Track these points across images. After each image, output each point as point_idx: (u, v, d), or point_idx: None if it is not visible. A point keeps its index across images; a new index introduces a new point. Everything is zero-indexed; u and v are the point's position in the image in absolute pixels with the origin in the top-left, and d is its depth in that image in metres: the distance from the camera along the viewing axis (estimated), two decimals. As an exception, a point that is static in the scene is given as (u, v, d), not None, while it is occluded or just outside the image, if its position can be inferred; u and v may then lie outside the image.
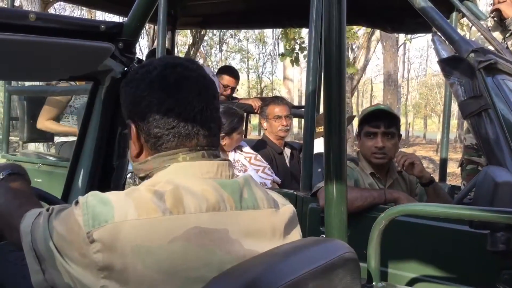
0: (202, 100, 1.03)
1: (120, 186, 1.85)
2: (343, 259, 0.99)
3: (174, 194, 0.93)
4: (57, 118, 4.06)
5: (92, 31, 1.54)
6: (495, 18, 3.33)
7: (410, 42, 19.39)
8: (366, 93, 29.63)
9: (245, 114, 4.12)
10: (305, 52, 8.58)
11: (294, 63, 8.59)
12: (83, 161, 1.77)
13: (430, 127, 31.55)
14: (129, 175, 1.91)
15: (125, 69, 1.69)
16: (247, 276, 0.85)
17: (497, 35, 3.23)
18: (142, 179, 1.07)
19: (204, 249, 0.91)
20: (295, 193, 2.48)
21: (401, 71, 20.32)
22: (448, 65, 2.01)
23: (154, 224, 0.89)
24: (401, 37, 16.08)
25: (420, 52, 37.67)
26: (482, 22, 3.13)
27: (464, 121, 4.08)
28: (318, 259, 0.94)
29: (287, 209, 1.11)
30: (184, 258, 0.89)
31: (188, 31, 15.34)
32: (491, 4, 3.36)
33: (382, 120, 2.40)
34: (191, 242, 0.90)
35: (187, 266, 0.89)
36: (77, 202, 0.94)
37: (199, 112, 1.02)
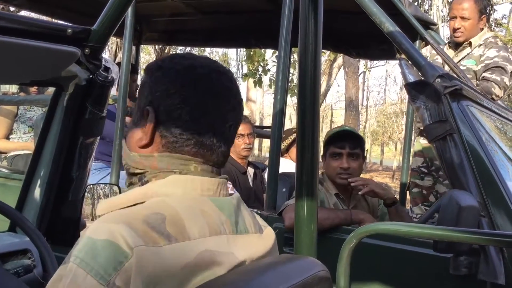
0: (234, 116, 0.97)
1: (79, 199, 1.77)
2: (317, 277, 0.95)
3: (175, 222, 0.85)
4: (8, 135, 3.93)
5: (58, 35, 1.48)
6: (450, 44, 3.45)
7: (369, 72, 19.88)
8: (326, 118, 30.12)
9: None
10: (269, 75, 8.66)
11: (257, 85, 8.63)
12: (40, 170, 1.68)
13: (387, 154, 32.27)
14: (88, 188, 1.82)
15: (91, 76, 1.62)
16: (219, 293, 0.80)
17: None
18: (132, 175, 0.97)
19: (210, 272, 0.85)
20: (259, 212, 2.45)
21: (360, 99, 20.79)
22: (415, 89, 2.04)
23: (162, 252, 0.81)
24: (361, 66, 16.48)
25: (378, 81, 38.74)
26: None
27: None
28: (293, 277, 0.90)
29: (269, 231, 1.07)
30: (196, 283, 0.83)
31: (152, 49, 15.24)
32: (448, 37, 3.48)
33: (347, 141, 2.42)
34: (202, 266, 0.84)
35: None
36: (65, 274, 0.79)
37: (229, 128, 0.96)
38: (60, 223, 1.78)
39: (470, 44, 3.30)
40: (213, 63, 1.00)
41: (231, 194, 1.02)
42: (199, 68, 0.95)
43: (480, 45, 3.27)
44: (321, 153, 2.54)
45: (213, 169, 0.97)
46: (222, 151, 0.97)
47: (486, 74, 3.06)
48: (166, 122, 0.93)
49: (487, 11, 3.24)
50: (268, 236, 1.05)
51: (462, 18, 3.31)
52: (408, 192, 3.74)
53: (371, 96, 30.86)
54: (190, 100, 0.93)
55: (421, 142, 3.58)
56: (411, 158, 3.75)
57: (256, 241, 1.00)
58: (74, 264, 0.78)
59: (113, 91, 1.97)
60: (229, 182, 3.25)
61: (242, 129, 3.39)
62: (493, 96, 2.99)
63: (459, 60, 3.28)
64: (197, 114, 0.93)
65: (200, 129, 0.93)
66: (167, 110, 0.93)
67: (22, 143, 3.92)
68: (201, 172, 0.94)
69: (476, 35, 3.31)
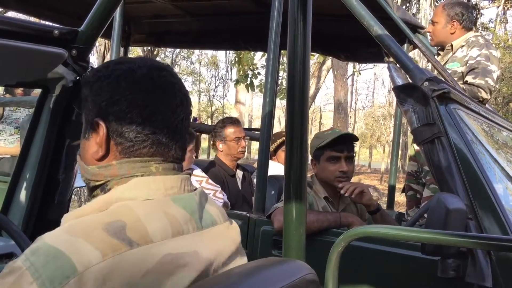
0: (183, 110, 0.97)
1: (65, 202, 1.75)
2: (304, 281, 0.95)
3: (136, 228, 0.83)
4: None
5: (44, 36, 1.46)
6: (439, 52, 3.47)
7: (359, 74, 19.99)
8: (315, 120, 30.24)
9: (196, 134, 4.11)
10: (259, 78, 8.66)
11: (249, 88, 8.63)
12: (26, 173, 1.66)
13: (375, 157, 32.45)
14: (75, 190, 1.80)
15: (78, 77, 1.61)
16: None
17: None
18: (94, 189, 0.95)
19: (178, 276, 0.84)
20: (248, 215, 2.44)
21: (349, 101, 20.88)
22: (403, 92, 2.05)
23: (123, 260, 0.78)
24: (350, 68, 16.57)
25: (367, 84, 38.98)
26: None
27: (407, 152, 4.22)
28: (280, 280, 0.90)
29: (235, 224, 1.07)
30: None
31: (140, 50, 15.19)
32: (431, 39, 3.49)
33: (346, 144, 2.42)
34: (164, 272, 0.82)
35: None
36: (12, 270, 0.77)
37: (181, 121, 0.96)
38: (46, 226, 1.76)
39: (451, 47, 3.31)
40: (151, 61, 0.99)
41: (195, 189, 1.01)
42: (138, 69, 0.95)
43: (462, 46, 3.28)
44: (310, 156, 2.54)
45: (175, 165, 0.97)
46: (179, 145, 0.97)
47: (470, 79, 3.07)
48: (119, 129, 0.92)
49: (461, 17, 3.23)
50: (236, 226, 1.05)
51: (432, 22, 3.40)
52: (404, 194, 3.79)
53: (359, 98, 31.11)
54: (137, 101, 0.92)
55: (414, 148, 3.61)
56: (406, 162, 3.80)
57: (226, 230, 0.99)
58: (23, 265, 0.76)
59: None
60: (217, 185, 3.25)
61: (239, 132, 3.39)
62: (480, 99, 3.00)
63: (443, 64, 3.29)
64: (147, 113, 0.92)
65: (154, 127, 0.92)
66: (117, 117, 0.92)
67: (8, 148, 3.89)
68: (163, 171, 0.94)
69: (447, 40, 3.32)
